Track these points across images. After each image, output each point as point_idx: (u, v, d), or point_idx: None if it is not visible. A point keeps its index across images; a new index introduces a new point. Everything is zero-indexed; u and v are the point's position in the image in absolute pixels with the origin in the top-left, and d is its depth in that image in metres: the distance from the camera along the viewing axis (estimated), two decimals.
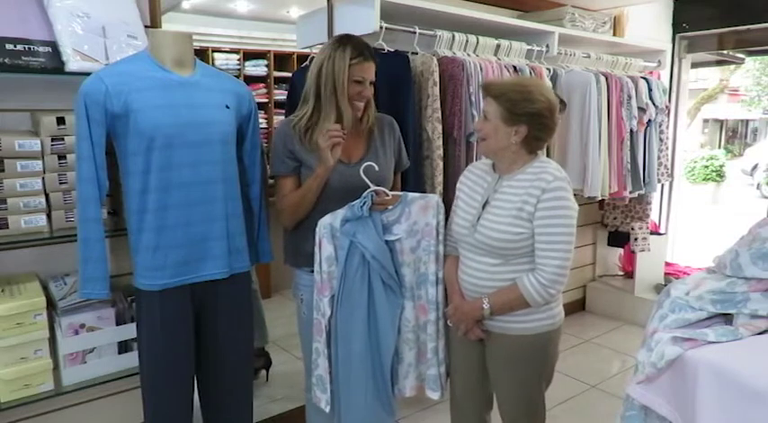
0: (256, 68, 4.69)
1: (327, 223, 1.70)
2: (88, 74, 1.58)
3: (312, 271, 1.75)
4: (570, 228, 1.57)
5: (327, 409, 1.78)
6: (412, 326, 1.76)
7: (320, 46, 1.98)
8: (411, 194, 1.76)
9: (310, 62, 1.94)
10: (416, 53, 2.39)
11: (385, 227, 1.72)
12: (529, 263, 1.62)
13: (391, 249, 1.72)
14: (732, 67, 9.90)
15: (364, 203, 1.68)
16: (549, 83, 2.74)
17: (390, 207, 1.73)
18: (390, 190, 1.90)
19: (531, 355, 1.69)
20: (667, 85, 3.98)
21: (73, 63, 1.66)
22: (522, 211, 1.57)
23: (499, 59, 2.62)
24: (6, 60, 1.60)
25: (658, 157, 3.42)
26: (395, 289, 1.71)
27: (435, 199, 1.76)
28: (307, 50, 2.55)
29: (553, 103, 1.61)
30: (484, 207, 1.66)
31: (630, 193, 3.26)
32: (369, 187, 1.70)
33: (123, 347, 1.87)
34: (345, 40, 1.78)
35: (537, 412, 1.78)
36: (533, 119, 1.58)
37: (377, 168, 1.71)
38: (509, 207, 1.60)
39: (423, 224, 1.74)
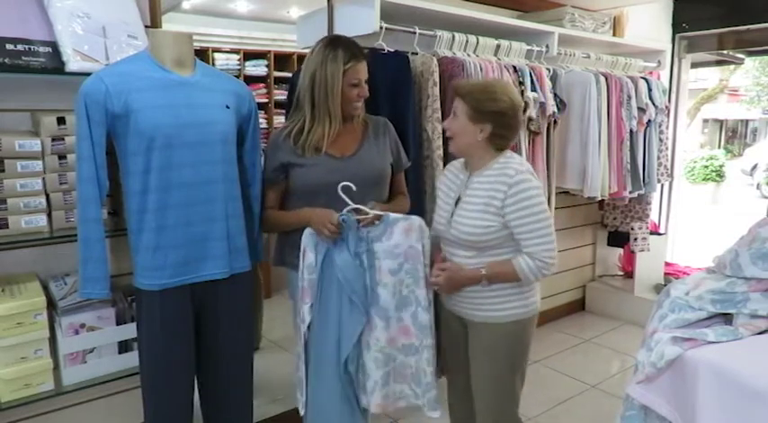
0: (256, 68, 4.68)
1: (311, 233, 1.72)
2: (88, 74, 1.58)
3: None
4: (545, 213, 1.66)
5: (302, 412, 1.81)
6: (382, 346, 1.72)
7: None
8: (393, 215, 1.72)
9: None
10: (416, 53, 2.39)
11: (366, 241, 1.71)
12: (504, 254, 1.69)
13: (370, 266, 1.71)
14: (732, 67, 9.90)
15: (342, 225, 1.68)
16: (549, 83, 2.74)
17: (377, 222, 1.72)
18: (392, 189, 1.93)
19: (503, 342, 1.74)
20: (667, 86, 3.97)
21: (73, 63, 1.66)
22: (490, 205, 1.65)
23: (499, 59, 2.62)
24: (6, 60, 1.60)
25: (658, 158, 3.42)
26: (357, 305, 1.69)
27: (418, 222, 1.72)
28: (307, 51, 2.54)
29: (516, 103, 1.70)
30: (457, 204, 1.74)
31: (630, 193, 3.26)
32: (353, 197, 1.69)
33: (123, 347, 1.87)
34: (335, 44, 1.78)
35: (509, 404, 1.80)
36: (497, 117, 1.66)
37: (354, 188, 1.69)
38: (477, 202, 1.68)
39: (405, 246, 1.71)
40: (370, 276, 1.71)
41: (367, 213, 1.70)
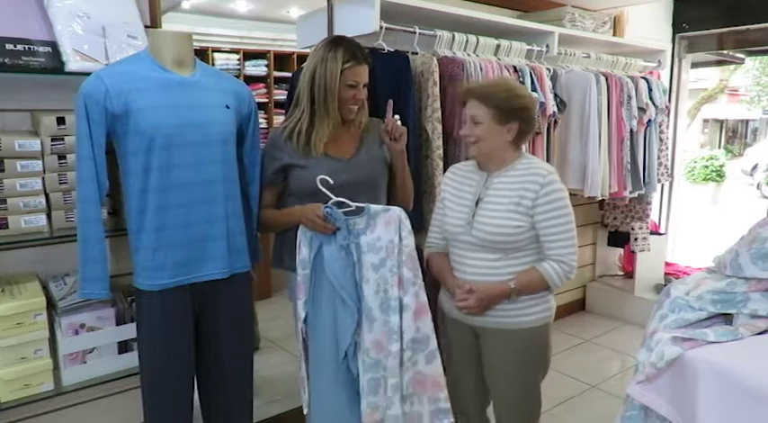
0: (256, 68, 4.69)
1: (306, 228, 1.72)
2: (88, 74, 1.58)
3: None
4: (571, 215, 1.68)
5: (306, 411, 1.79)
6: (366, 347, 1.67)
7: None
8: (374, 207, 1.69)
9: None
10: (416, 53, 2.39)
11: (354, 234, 1.69)
12: (528, 255, 1.68)
13: (358, 260, 1.68)
14: (732, 67, 9.89)
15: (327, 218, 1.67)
16: (549, 83, 2.74)
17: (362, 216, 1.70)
18: (390, 187, 1.92)
19: (531, 348, 1.74)
20: (667, 85, 3.97)
21: (73, 63, 1.66)
22: (520, 205, 1.64)
23: (499, 59, 2.62)
24: (6, 60, 1.60)
25: (658, 157, 3.42)
26: (345, 299, 1.67)
27: (397, 212, 1.67)
28: (307, 50, 2.53)
29: (533, 97, 1.75)
30: (477, 204, 1.71)
31: (630, 193, 3.26)
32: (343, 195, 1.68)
33: (123, 347, 1.87)
34: (337, 43, 1.77)
35: (533, 407, 1.80)
36: (523, 113, 1.67)
37: (331, 181, 1.67)
38: (506, 202, 1.66)
39: (386, 241, 1.66)
40: (358, 271, 1.69)
41: (350, 206, 1.69)
